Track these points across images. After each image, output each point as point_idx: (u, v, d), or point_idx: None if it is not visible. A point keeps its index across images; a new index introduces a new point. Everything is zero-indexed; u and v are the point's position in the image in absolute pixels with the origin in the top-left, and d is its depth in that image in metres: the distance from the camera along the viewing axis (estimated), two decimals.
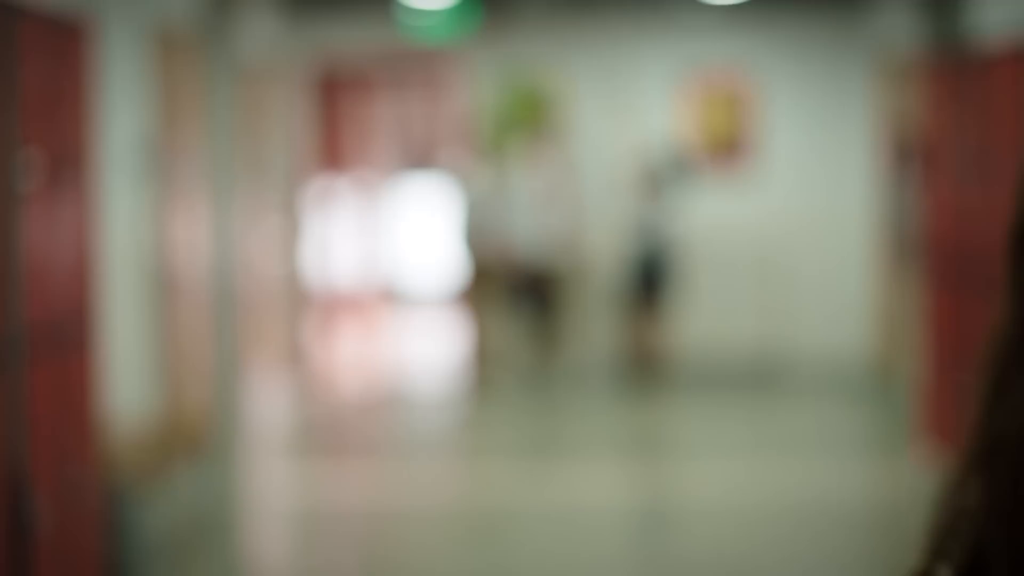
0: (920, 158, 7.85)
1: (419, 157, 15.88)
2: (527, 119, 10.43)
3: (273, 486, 7.35)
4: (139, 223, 6.56)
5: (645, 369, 10.17)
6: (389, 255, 13.80)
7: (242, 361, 8.54)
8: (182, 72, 7.37)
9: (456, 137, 10.63)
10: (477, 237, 9.57)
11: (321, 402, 9.85)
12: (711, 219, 10.53)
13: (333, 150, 12.14)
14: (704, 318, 10.50)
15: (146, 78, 6.68)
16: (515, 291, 9.86)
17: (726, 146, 10.50)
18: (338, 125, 12.31)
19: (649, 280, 9.95)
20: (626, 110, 10.46)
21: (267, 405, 9.31)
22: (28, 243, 3.97)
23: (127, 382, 6.25)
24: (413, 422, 9.39)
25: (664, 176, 10.06)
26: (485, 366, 9.72)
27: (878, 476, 7.67)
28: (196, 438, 6.78)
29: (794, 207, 10.56)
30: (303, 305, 10.58)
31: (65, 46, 4.29)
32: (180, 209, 7.18)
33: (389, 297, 13.68)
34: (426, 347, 12.21)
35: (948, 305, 6.44)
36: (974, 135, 6.07)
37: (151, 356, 6.76)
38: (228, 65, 8.29)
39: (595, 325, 10.58)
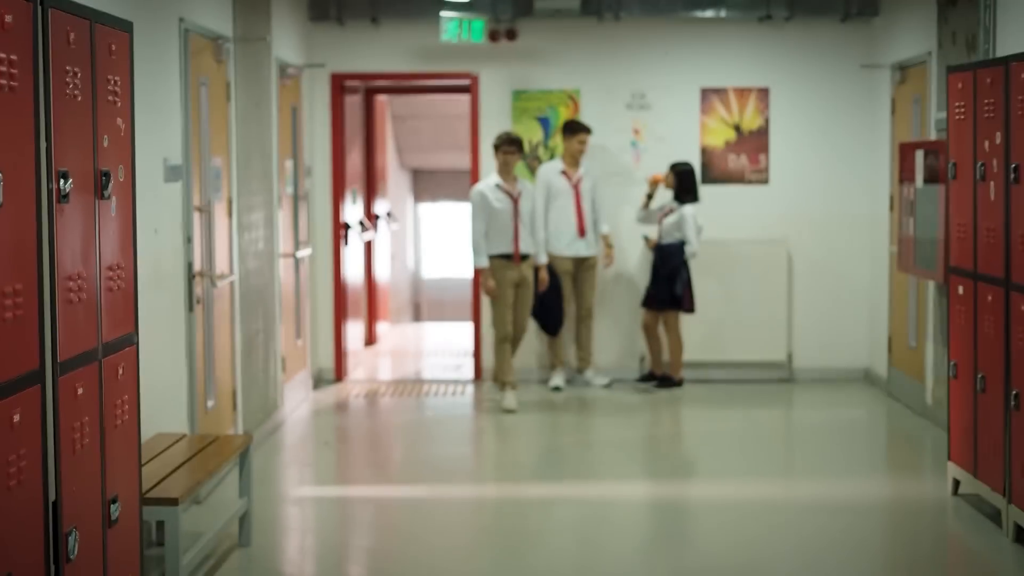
0: (944, 165, 7.76)
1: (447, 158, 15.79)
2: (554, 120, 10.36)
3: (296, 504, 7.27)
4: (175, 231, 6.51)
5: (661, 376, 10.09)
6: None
7: (276, 368, 8.49)
8: (217, 76, 7.31)
9: (478, 139, 10.55)
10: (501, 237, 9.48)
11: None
12: (727, 225, 10.43)
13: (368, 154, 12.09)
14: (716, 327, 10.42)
15: (184, 81, 6.63)
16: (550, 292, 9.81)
17: (743, 153, 10.41)
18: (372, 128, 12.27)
19: (665, 285, 9.84)
20: (650, 122, 10.38)
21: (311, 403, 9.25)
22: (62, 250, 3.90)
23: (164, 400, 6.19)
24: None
25: (687, 182, 9.96)
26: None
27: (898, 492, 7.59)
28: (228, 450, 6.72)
29: (808, 213, 10.46)
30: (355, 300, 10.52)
31: (109, 47, 4.22)
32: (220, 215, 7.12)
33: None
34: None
35: (985, 325, 6.35)
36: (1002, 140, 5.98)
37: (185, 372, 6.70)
38: (263, 67, 8.23)
39: (616, 329, 10.50)
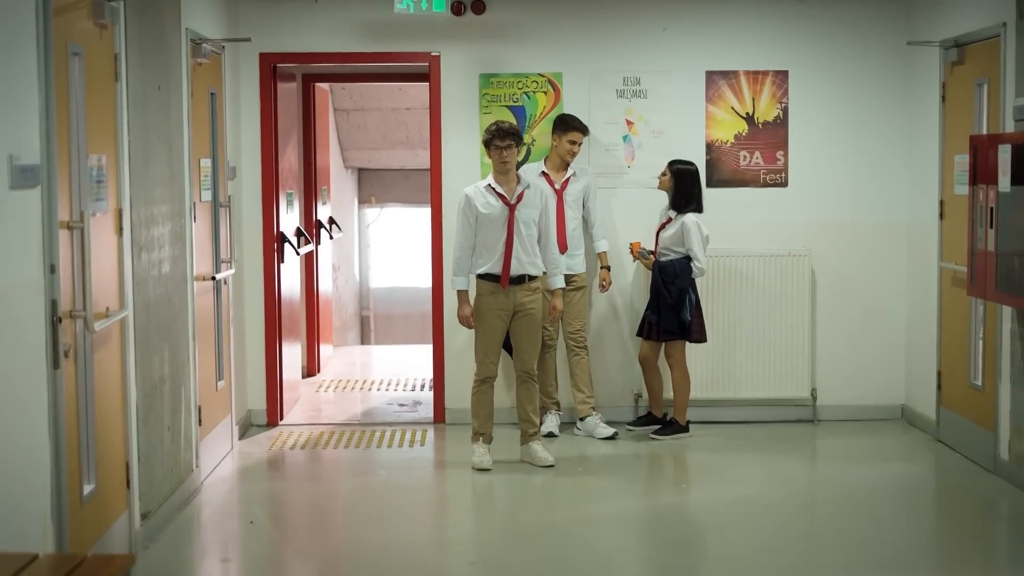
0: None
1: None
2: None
3: None
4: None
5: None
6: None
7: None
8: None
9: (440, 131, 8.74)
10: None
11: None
12: (737, 236, 8.70)
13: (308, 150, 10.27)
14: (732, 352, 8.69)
15: (44, 50, 4.77)
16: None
17: (757, 150, 8.69)
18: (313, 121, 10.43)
19: (671, 311, 8.11)
20: (646, 113, 8.63)
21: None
22: None
23: None
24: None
25: (688, 186, 8.23)
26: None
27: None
28: None
29: (835, 221, 8.75)
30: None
31: None
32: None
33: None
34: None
35: None
36: None
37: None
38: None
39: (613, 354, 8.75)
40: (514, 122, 7.77)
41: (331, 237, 11.04)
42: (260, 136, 8.63)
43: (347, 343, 14.28)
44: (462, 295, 7.50)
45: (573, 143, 8.27)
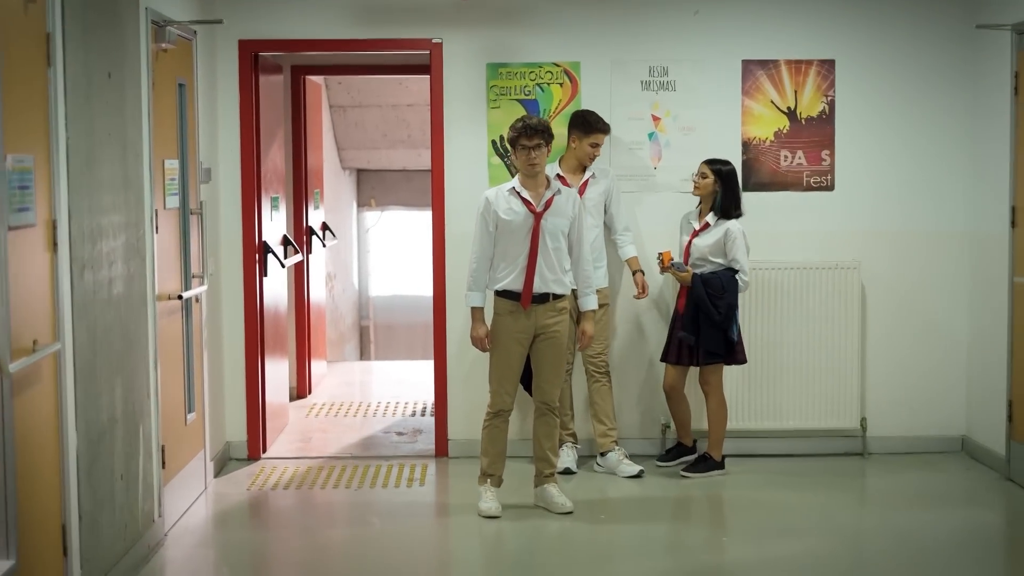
0: None
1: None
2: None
3: None
4: None
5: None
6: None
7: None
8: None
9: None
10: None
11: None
12: (777, 246, 7.72)
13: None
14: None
15: None
16: None
17: (800, 149, 7.71)
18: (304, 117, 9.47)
19: (715, 330, 7.15)
20: (674, 107, 7.65)
21: None
22: None
23: None
24: None
25: (736, 188, 7.28)
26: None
27: None
28: None
29: (888, 229, 7.77)
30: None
31: None
32: None
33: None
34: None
35: None
36: None
37: None
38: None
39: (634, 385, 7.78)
40: (541, 118, 6.74)
41: (323, 245, 10.05)
42: (240, 134, 7.65)
43: (343, 358, 13.31)
44: (477, 313, 6.52)
45: (595, 145, 7.30)
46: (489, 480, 6.59)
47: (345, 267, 14.09)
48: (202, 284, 6.88)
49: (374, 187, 15.25)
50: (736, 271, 7.17)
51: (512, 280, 6.45)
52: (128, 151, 5.69)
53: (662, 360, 7.45)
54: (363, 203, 15.33)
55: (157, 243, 6.12)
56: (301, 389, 9.72)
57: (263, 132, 7.88)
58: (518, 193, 6.48)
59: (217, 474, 7.39)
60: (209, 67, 7.37)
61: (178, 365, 6.55)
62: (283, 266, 8.00)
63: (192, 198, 6.81)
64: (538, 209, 6.46)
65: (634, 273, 7.44)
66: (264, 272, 7.84)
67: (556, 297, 6.49)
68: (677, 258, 7.31)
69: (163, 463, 6.16)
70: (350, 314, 14.39)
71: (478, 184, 7.55)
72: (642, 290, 7.41)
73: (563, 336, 6.53)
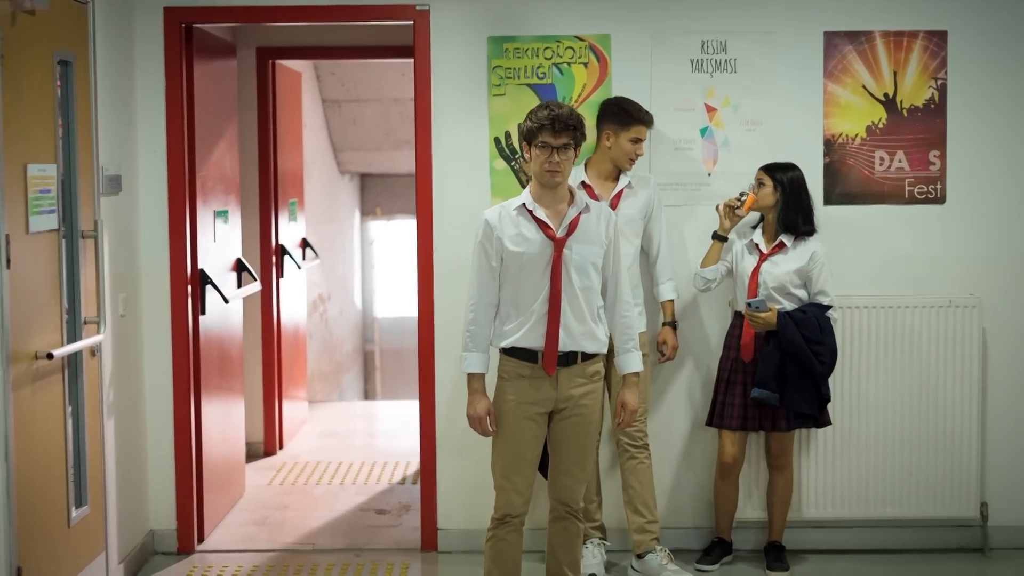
0: None
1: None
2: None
3: None
4: None
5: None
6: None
7: None
8: None
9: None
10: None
11: None
12: (871, 276, 5.87)
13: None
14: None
15: None
16: None
17: (900, 149, 5.85)
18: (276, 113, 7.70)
19: (807, 385, 5.37)
20: (735, 94, 5.80)
21: None
22: None
23: None
24: None
25: (805, 198, 5.48)
26: None
27: None
28: None
29: (1018, 256, 5.90)
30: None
31: None
32: None
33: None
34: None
35: None
36: None
37: None
38: None
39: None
40: (572, 107, 4.84)
41: (299, 267, 8.25)
42: (166, 132, 5.86)
43: (339, 393, 11.53)
44: (476, 383, 4.66)
45: (637, 141, 5.48)
46: None
47: (344, 285, 12.31)
48: (99, 332, 5.08)
49: (379, 193, 13.49)
50: (827, 306, 5.41)
51: (526, 334, 4.60)
52: None
53: (714, 425, 5.63)
54: (367, 212, 13.56)
55: (10, 282, 4.34)
56: (269, 444, 7.93)
57: (203, 129, 6.09)
58: (531, 212, 4.65)
59: (137, 573, 5.62)
60: (119, 40, 5.58)
61: (55, 448, 4.76)
62: (226, 301, 6.18)
63: (84, 216, 5.02)
64: (559, 234, 4.62)
65: (664, 325, 5.62)
66: (201, 308, 6.05)
67: (587, 357, 4.66)
68: (753, 293, 5.49)
69: None
70: (350, 339, 12.61)
71: (476, 195, 5.76)
72: (669, 355, 5.60)
73: (594, 412, 4.69)
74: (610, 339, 4.73)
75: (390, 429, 8.70)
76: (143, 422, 5.84)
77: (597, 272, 4.65)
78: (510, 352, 4.65)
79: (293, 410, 8.33)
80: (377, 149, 11.73)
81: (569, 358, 4.61)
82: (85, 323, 5.01)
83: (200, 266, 6.04)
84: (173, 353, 5.89)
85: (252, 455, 7.78)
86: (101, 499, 5.19)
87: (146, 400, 5.87)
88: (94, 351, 5.12)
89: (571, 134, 4.56)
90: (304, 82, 10.06)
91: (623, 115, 5.45)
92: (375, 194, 13.36)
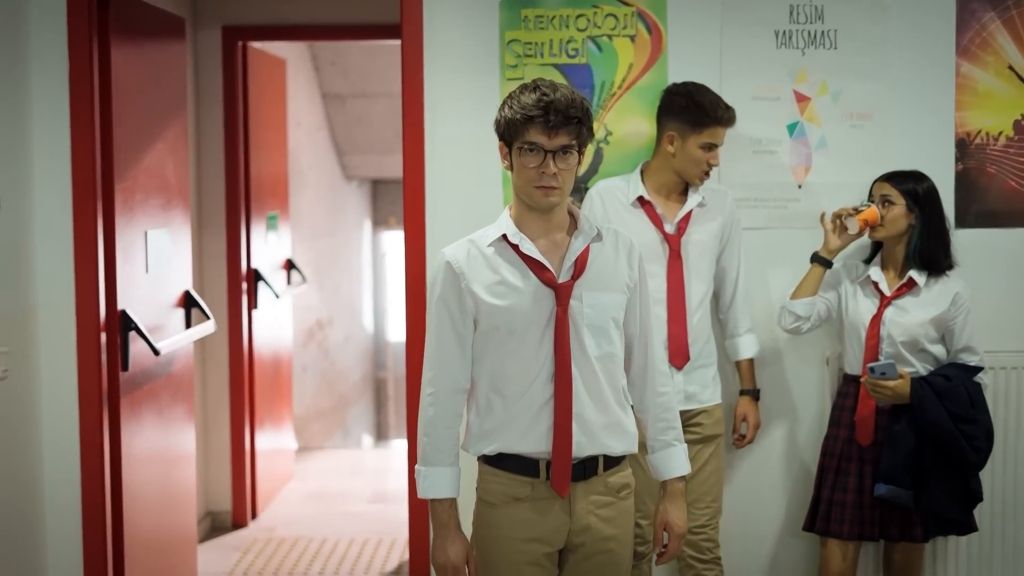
0: None
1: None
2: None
3: None
4: None
5: None
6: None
7: None
8: None
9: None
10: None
11: None
12: (1018, 327, 4.36)
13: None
14: None
15: None
16: None
17: None
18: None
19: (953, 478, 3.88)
20: (835, 78, 4.28)
21: None
22: None
23: None
24: None
25: (941, 222, 3.96)
26: None
27: None
28: None
29: None
30: None
31: None
32: None
33: None
34: None
35: None
36: None
37: None
38: None
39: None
40: (573, 90, 3.21)
41: (276, 296, 6.75)
42: (70, 130, 4.38)
43: (344, 429, 10.05)
44: (442, 513, 3.08)
45: (711, 148, 3.97)
46: None
47: (350, 307, 10.84)
48: None
49: (394, 201, 12.03)
50: (976, 368, 3.91)
51: (520, 434, 3.04)
52: None
53: (816, 531, 4.10)
54: (380, 222, 12.10)
55: None
56: (239, 513, 6.46)
57: (128, 125, 4.62)
58: (515, 247, 3.08)
59: None
60: (2, 4, 4.12)
61: None
62: (156, 352, 4.67)
63: None
64: (562, 278, 3.06)
65: (742, 394, 4.11)
66: (123, 364, 4.57)
67: (611, 463, 3.13)
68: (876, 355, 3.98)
69: None
70: (358, 367, 11.13)
71: (482, 203, 4.30)
72: (750, 437, 4.10)
73: (625, 547, 3.14)
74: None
75: (395, 488, 7.17)
76: (40, 510, 4.37)
77: (619, 331, 3.10)
78: (496, 462, 3.10)
79: (272, 465, 6.87)
80: (388, 152, 10.26)
81: (587, 467, 3.07)
82: None
83: (121, 306, 4.56)
84: (80, 425, 4.41)
85: (218, 528, 6.35)
86: None
87: (44, 485, 4.39)
88: None
89: (573, 130, 2.98)
90: (297, 73, 8.62)
91: (694, 111, 3.93)
92: (389, 202, 11.89)
